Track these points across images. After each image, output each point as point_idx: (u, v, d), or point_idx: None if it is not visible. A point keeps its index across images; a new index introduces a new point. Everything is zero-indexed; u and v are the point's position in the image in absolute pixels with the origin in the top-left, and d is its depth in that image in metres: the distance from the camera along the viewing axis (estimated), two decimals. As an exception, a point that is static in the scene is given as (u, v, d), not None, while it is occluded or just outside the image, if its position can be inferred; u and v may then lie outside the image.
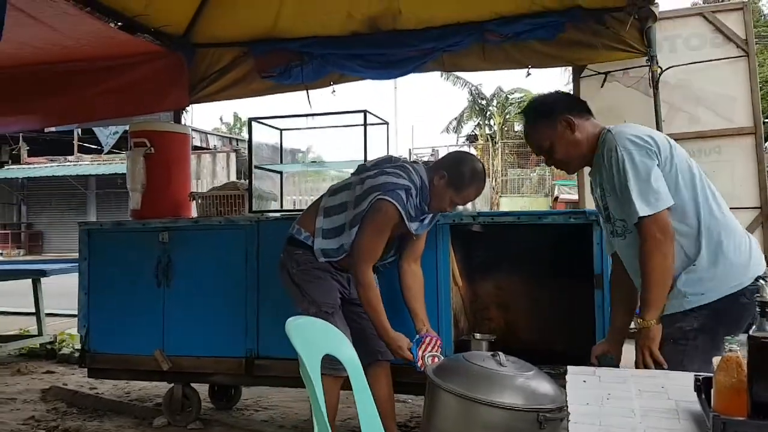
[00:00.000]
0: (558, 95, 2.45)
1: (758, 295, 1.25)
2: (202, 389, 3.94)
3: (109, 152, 19.07)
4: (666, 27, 3.94)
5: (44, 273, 5.52)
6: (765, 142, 4.26)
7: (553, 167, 2.73)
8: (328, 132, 4.28)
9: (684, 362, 1.98)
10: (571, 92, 4.20)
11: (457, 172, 2.73)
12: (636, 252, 2.11)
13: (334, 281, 2.84)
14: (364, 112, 3.66)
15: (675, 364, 2.00)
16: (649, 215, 2.02)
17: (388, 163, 2.84)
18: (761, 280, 1.28)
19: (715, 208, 2.12)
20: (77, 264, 4.02)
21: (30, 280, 5.78)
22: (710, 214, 2.10)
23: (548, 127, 2.27)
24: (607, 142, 2.15)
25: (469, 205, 3.55)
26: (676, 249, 2.05)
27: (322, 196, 2.95)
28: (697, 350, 2.00)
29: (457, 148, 25.56)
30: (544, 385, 2.20)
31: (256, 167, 4.06)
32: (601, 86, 4.07)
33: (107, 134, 7.26)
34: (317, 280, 2.79)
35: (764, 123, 3.95)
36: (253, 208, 3.87)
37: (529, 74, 4.21)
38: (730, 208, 3.46)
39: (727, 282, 2.02)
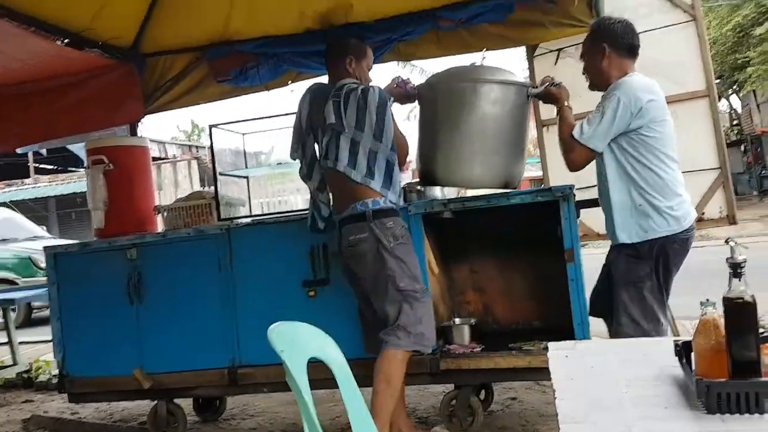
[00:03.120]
0: (621, 27, 2.77)
1: (729, 257, 1.28)
2: (187, 402, 3.90)
3: (66, 171, 18.64)
4: (613, -2, 3.99)
5: (12, 301, 5.38)
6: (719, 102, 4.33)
7: None
8: (290, 131, 4.23)
9: (648, 299, 2.63)
10: (528, 70, 4.25)
11: (354, 48, 3.04)
12: (603, 179, 2.76)
13: None
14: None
15: (638, 302, 2.64)
16: (576, 138, 2.67)
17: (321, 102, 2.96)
18: (731, 241, 1.31)
19: (673, 165, 2.66)
20: (45, 289, 3.93)
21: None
22: (668, 170, 2.64)
23: (591, 41, 2.80)
24: (614, 85, 2.66)
25: (438, 193, 3.57)
26: (633, 186, 2.65)
27: (323, 174, 3.01)
28: (652, 289, 2.64)
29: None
30: (515, 75, 3.05)
31: (220, 174, 4.00)
32: (555, 63, 4.11)
33: (82, 147, 7.09)
34: (413, 253, 2.88)
35: (716, 85, 4.02)
36: (222, 216, 3.82)
37: (484, 57, 4.25)
38: (691, 171, 3.65)
39: (665, 226, 2.60)
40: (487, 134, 2.94)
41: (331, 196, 3.05)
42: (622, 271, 2.72)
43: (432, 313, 2.92)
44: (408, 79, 3.19)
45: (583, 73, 2.87)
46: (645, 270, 2.64)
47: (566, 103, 2.87)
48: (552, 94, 2.93)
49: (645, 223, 2.63)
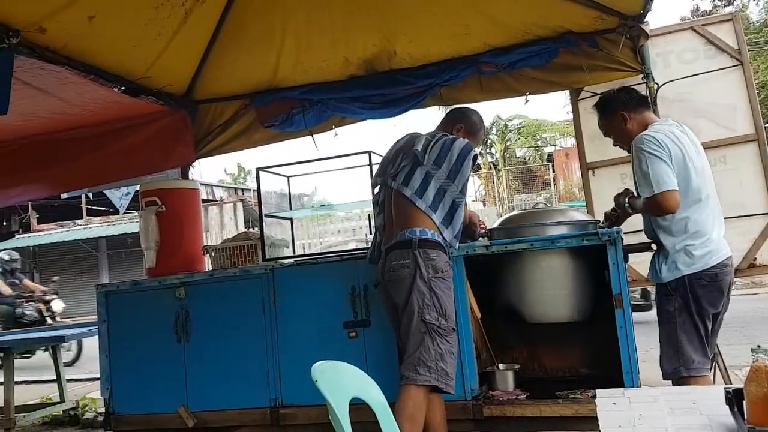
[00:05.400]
0: (617, 95, 3.02)
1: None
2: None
3: (117, 213, 19.18)
4: (658, 43, 3.99)
5: (63, 338, 5.51)
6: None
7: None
8: (333, 174, 4.32)
9: (678, 335, 2.72)
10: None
11: (470, 122, 3.20)
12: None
13: None
14: (369, 153, 3.69)
15: (670, 338, 2.75)
16: (651, 195, 2.70)
17: (406, 151, 3.04)
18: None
19: (702, 207, 2.75)
20: (95, 327, 4.03)
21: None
22: (696, 211, 2.74)
23: (609, 115, 3.00)
24: (633, 144, 2.82)
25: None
26: (663, 230, 2.79)
27: (384, 205, 3.07)
28: (682, 325, 2.73)
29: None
30: (579, 212, 3.47)
31: (266, 215, 4.09)
32: (600, 107, 4.10)
33: (120, 196, 7.31)
34: (450, 291, 2.88)
35: (766, 129, 3.95)
36: (266, 256, 3.89)
37: (527, 101, 4.26)
38: (740, 216, 3.56)
39: (689, 264, 2.71)
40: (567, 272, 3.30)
41: (384, 222, 3.09)
42: (658, 310, 2.88)
43: (455, 355, 2.82)
44: (483, 223, 3.44)
45: (615, 144, 3.08)
46: (674, 305, 2.76)
47: (627, 201, 2.91)
48: (620, 217, 3.08)
49: (672, 263, 2.76)
